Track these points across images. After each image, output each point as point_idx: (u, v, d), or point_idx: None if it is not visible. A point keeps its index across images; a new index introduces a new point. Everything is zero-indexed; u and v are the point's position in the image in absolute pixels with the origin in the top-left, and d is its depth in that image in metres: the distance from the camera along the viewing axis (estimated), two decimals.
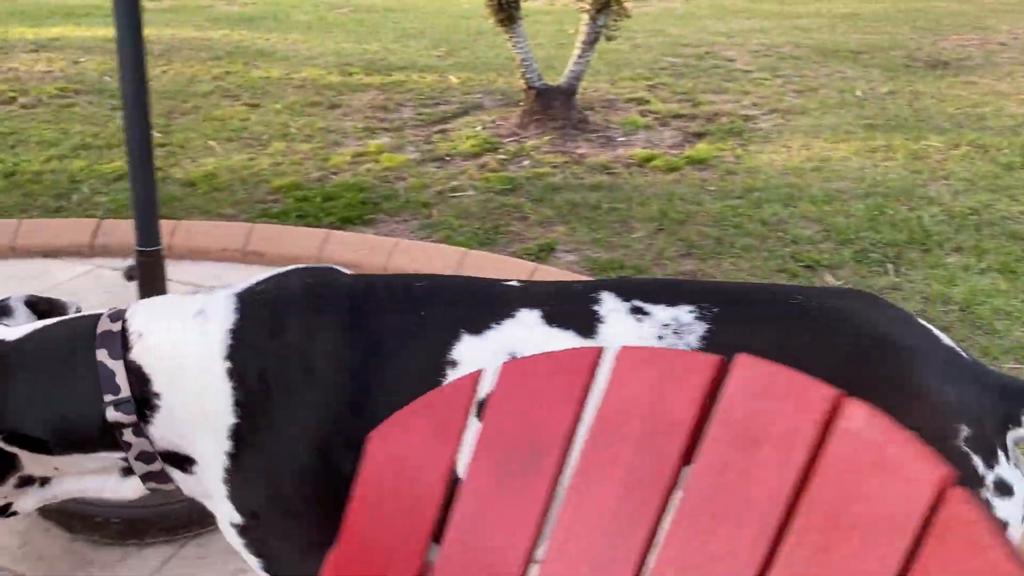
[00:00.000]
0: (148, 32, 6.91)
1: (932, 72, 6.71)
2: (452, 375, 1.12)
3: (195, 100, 5.64)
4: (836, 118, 5.41)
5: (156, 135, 4.84)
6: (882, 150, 4.75)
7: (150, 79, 6.17)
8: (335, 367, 1.12)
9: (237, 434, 1.10)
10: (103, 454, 1.14)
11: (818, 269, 3.32)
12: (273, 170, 4.41)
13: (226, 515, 1.14)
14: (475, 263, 3.18)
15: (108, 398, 1.10)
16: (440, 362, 1.13)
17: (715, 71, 6.73)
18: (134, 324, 1.15)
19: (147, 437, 1.12)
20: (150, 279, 1.96)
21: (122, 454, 1.13)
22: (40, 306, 1.23)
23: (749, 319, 1.13)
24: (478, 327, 1.15)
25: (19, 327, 1.18)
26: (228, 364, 1.12)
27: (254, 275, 1.25)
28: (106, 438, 1.12)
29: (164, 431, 1.13)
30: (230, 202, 3.97)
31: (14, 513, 1.18)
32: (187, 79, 6.14)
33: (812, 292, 1.20)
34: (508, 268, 3.14)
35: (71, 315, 1.23)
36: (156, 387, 1.12)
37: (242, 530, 1.14)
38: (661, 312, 1.13)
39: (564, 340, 1.12)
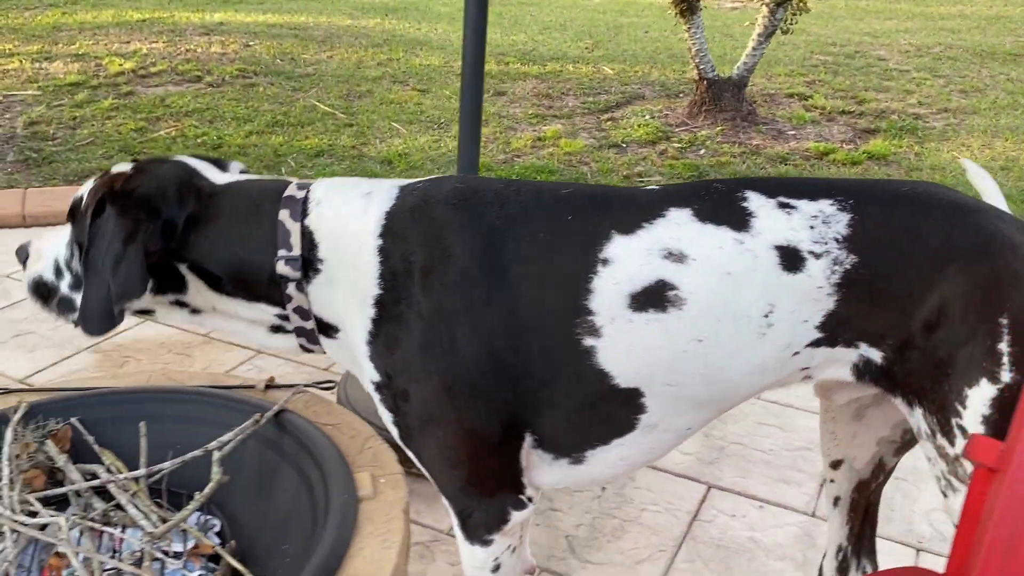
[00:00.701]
0: (305, 19, 7.26)
1: None
2: (604, 273, 1.15)
3: (367, 84, 5.86)
4: (1012, 119, 5.30)
5: (340, 115, 5.08)
6: None
7: (317, 63, 6.39)
8: (470, 257, 1.18)
9: (379, 303, 1.20)
10: (262, 306, 1.27)
11: None
12: (454, 151, 4.56)
13: (367, 374, 1.24)
14: None
15: (281, 253, 1.22)
16: (591, 260, 1.16)
17: (870, 70, 6.64)
18: (315, 194, 1.26)
19: (305, 294, 1.23)
20: None
21: (278, 310, 1.26)
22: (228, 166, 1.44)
23: (881, 205, 1.17)
24: (629, 227, 1.17)
25: (226, 176, 1.34)
26: (379, 242, 1.22)
27: None
28: (271, 289, 1.24)
29: (320, 293, 1.24)
30: (441, 168, 4.14)
31: (148, 313, 1.36)
32: (354, 64, 6.38)
33: (907, 183, 1.28)
34: None
35: (268, 177, 1.37)
36: (321, 252, 1.23)
37: (377, 387, 1.24)
38: (806, 206, 1.16)
39: (718, 235, 1.16)
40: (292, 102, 5.38)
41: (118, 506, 1.43)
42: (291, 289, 1.24)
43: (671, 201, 1.20)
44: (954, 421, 1.15)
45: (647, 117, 5.25)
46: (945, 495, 1.21)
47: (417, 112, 5.28)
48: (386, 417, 1.26)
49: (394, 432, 1.27)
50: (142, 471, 1.46)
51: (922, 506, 2.03)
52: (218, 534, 1.47)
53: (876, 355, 1.19)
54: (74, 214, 1.30)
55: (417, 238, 1.21)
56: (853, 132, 5.12)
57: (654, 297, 1.15)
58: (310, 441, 1.44)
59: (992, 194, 1.36)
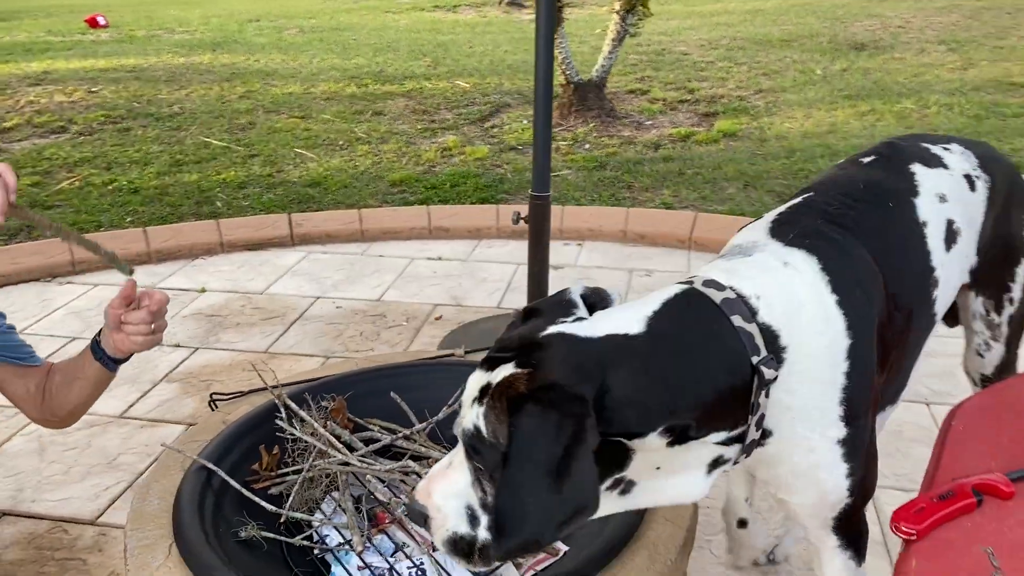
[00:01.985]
0: (134, 61, 7.24)
1: (859, 52, 7.85)
2: (929, 233, 1.41)
3: (243, 117, 5.94)
4: (815, 93, 6.36)
5: (238, 148, 5.19)
6: (870, 113, 5.70)
7: (177, 102, 6.37)
8: (877, 277, 1.29)
9: (853, 353, 1.18)
10: (713, 437, 1.09)
11: None
12: (378, 168, 4.85)
13: (829, 436, 1.19)
14: (637, 217, 3.80)
15: (755, 359, 1.09)
16: (920, 230, 1.41)
17: (682, 64, 7.60)
18: (745, 289, 1.14)
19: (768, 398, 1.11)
20: (539, 220, 2.50)
21: (726, 434, 1.10)
22: (591, 298, 1.18)
23: (971, 145, 1.61)
24: (911, 192, 1.44)
25: (609, 318, 1.11)
26: (836, 296, 1.19)
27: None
28: (738, 408, 1.10)
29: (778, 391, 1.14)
30: (368, 193, 4.40)
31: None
32: (216, 99, 6.40)
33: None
34: (670, 219, 3.80)
35: (640, 301, 1.15)
36: (783, 341, 1.13)
37: (842, 441, 1.19)
38: (945, 154, 1.55)
39: (942, 175, 1.48)
40: (179, 141, 5.38)
41: (413, 457, 1.71)
42: (762, 398, 1.11)
43: (906, 160, 1.49)
44: (1004, 296, 1.67)
45: (524, 122, 5.78)
46: (981, 355, 1.74)
47: (311, 137, 5.47)
48: (841, 474, 1.23)
49: (841, 484, 1.24)
50: (420, 424, 1.75)
51: None
52: None
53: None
54: (473, 446, 1.04)
55: (859, 276, 1.24)
56: (698, 117, 5.94)
57: (951, 234, 1.45)
58: None
59: None
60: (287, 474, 1.67)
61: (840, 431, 1.19)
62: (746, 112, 5.93)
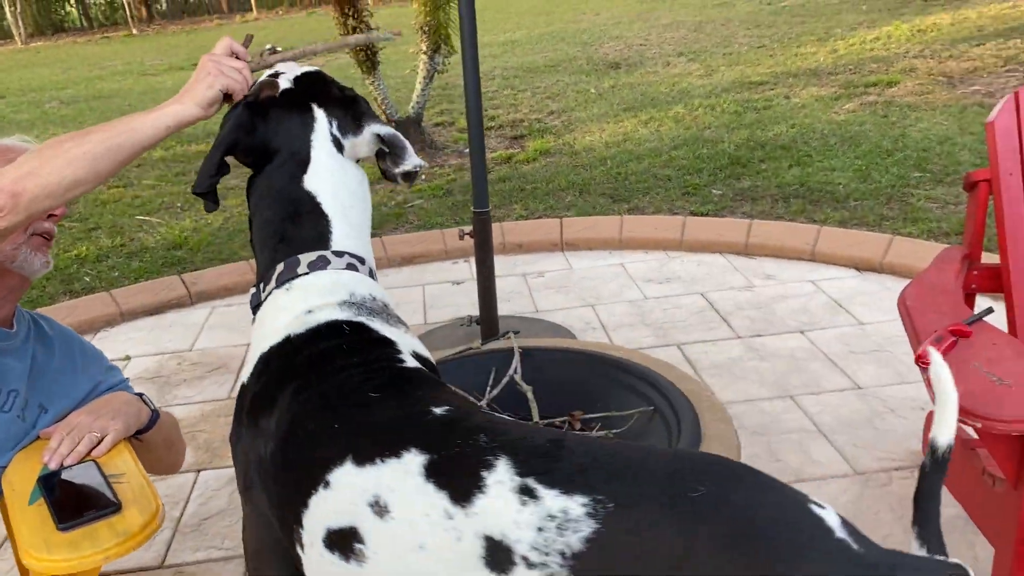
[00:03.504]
0: None
1: (617, 70, 8.88)
2: (322, 495, 1.06)
3: None
4: (598, 109, 7.18)
5: (73, 224, 5.06)
6: (651, 121, 6.58)
7: None
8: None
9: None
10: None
11: (702, 189, 4.91)
12: (232, 223, 4.93)
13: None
14: (511, 229, 4.26)
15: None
16: (319, 478, 1.06)
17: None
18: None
19: None
20: (483, 233, 2.87)
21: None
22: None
23: (647, 517, 0.87)
24: (365, 458, 1.03)
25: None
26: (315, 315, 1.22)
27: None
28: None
29: None
30: (238, 245, 4.49)
31: None
32: None
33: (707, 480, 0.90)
34: (542, 227, 4.29)
35: None
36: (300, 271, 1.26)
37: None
38: (552, 499, 0.92)
39: (432, 500, 0.97)
40: None
41: None
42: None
43: (419, 440, 1.02)
44: None
45: None
46: None
47: (144, 203, 5.40)
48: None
49: None
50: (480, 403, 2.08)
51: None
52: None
53: None
54: None
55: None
56: (508, 140, 6.52)
57: (343, 542, 1.03)
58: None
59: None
60: None
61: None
62: (549, 132, 6.60)
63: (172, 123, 1.27)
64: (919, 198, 4.35)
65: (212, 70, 1.29)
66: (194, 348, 3.41)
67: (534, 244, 4.20)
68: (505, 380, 2.18)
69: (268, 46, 1.47)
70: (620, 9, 14.56)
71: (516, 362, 2.22)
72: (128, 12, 19.76)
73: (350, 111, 1.34)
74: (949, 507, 2.16)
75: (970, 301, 2.08)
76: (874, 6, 11.47)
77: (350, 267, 1.25)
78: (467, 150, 6.44)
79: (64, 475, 1.41)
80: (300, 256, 1.23)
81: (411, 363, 1.19)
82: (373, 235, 4.51)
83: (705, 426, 1.91)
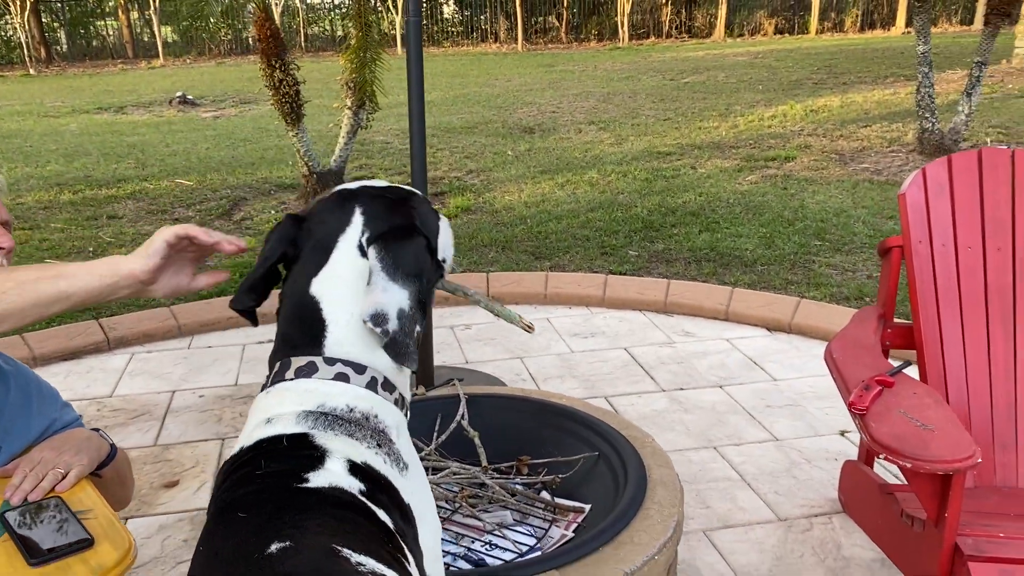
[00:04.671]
0: None
1: (532, 135, 9.17)
2: None
3: None
4: (516, 170, 7.39)
5: None
6: (568, 184, 6.81)
7: None
8: None
9: None
10: None
11: (619, 250, 5.11)
12: None
13: None
14: None
15: None
16: None
17: (388, 151, 8.31)
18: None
19: None
20: None
21: None
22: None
23: None
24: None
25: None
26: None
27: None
28: None
29: None
30: None
31: None
32: None
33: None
34: (467, 281, 4.37)
35: None
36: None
37: None
38: None
39: None
40: None
41: (434, 471, 2.07)
42: None
43: None
44: None
45: (272, 212, 6.02)
46: None
47: (54, 247, 5.21)
48: None
49: None
50: (431, 447, 2.11)
51: None
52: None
53: None
54: None
55: None
56: (430, 197, 6.62)
57: None
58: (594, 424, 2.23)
59: None
60: None
61: None
62: (469, 190, 6.74)
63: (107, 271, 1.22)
64: (820, 264, 4.66)
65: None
66: (115, 394, 3.31)
67: (460, 297, 4.26)
68: (453, 426, 2.22)
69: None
70: (531, 77, 15.04)
71: (463, 408, 2.27)
72: (26, 52, 19.09)
73: (392, 222, 1.24)
74: (869, 551, 2.32)
75: (886, 356, 2.27)
76: (770, 86, 12.25)
77: (339, 376, 1.17)
78: None
79: (29, 510, 1.38)
80: (292, 359, 1.19)
81: (330, 481, 1.08)
82: None
83: (649, 471, 2.00)
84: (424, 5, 23.78)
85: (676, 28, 23.71)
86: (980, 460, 1.57)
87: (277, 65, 5.74)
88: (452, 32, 23.62)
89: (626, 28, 22.61)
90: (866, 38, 21.53)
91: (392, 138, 9.06)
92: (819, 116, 9.47)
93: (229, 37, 22.51)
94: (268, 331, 3.92)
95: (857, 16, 23.76)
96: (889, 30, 22.98)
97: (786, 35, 23.30)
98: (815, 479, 2.68)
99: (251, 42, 21.85)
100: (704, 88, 12.48)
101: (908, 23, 21.92)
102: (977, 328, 2.17)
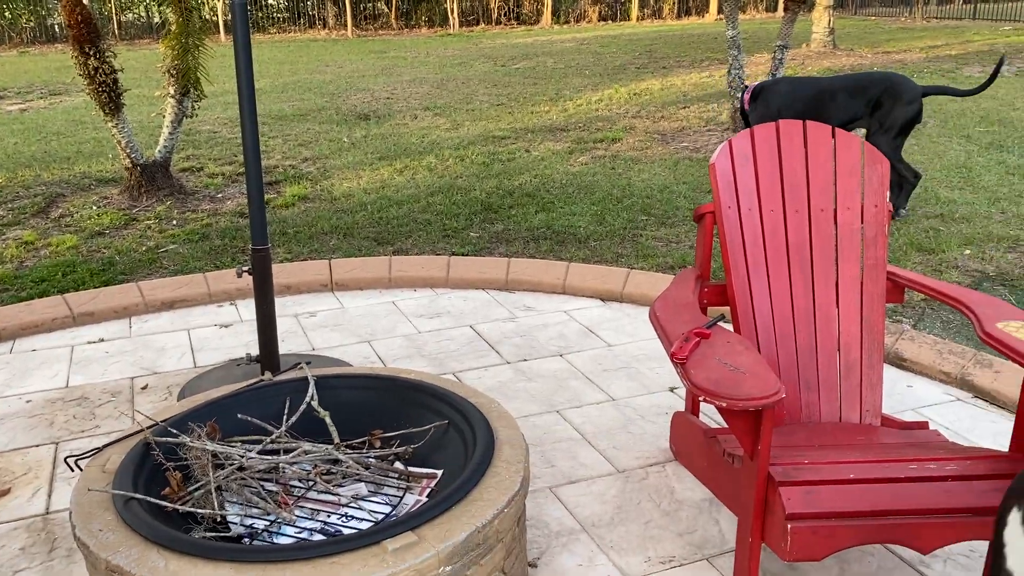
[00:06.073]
0: None
1: (367, 121, 9.10)
2: None
3: None
4: (353, 157, 7.33)
5: None
6: (406, 170, 6.84)
7: None
8: None
9: None
10: None
11: (460, 232, 5.20)
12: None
13: None
14: (278, 271, 4.27)
15: None
16: None
17: (216, 140, 8.02)
18: None
19: None
20: (263, 270, 2.90)
21: None
22: None
23: None
24: None
25: None
26: None
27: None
28: None
29: None
30: None
31: None
32: None
33: None
34: (310, 268, 4.33)
35: None
36: None
37: None
38: None
39: None
40: None
41: (286, 451, 2.08)
42: None
43: None
44: None
45: (94, 208, 5.70)
46: None
47: None
48: None
49: None
50: (281, 429, 2.12)
51: None
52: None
53: None
54: None
55: None
56: (264, 185, 6.46)
57: None
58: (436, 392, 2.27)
59: None
60: (196, 490, 1.94)
61: None
62: (305, 178, 6.63)
63: None
64: (647, 238, 4.94)
65: None
66: None
67: (303, 285, 4.23)
68: (303, 407, 2.25)
69: None
70: (363, 64, 14.87)
71: (312, 389, 2.30)
72: None
73: None
74: (699, 492, 2.53)
75: (705, 313, 2.48)
76: (596, 71, 12.71)
77: None
78: (220, 194, 6.31)
79: None
80: None
81: None
82: (125, 280, 4.31)
83: (497, 433, 2.11)
84: None
85: (504, 15, 24.08)
86: (784, 396, 1.77)
87: (91, 52, 5.43)
88: (278, 18, 22.90)
89: (456, 15, 22.74)
90: (683, 24, 22.70)
91: (220, 127, 8.74)
92: (642, 99, 9.94)
93: (32, 24, 20.82)
94: (100, 330, 3.77)
95: (674, 3, 24.96)
96: (704, 16, 24.31)
97: (609, 22, 24.17)
98: (649, 432, 2.88)
99: (58, 29, 20.34)
100: (534, 73, 12.79)
101: (720, 10, 23.29)
102: (781, 282, 2.41)
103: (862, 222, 2.42)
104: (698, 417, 2.63)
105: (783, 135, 2.48)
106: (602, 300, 4.14)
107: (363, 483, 2.07)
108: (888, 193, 2.45)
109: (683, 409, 2.82)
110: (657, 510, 2.46)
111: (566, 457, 2.75)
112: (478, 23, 23.73)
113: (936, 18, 22.31)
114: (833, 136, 2.47)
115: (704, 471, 2.40)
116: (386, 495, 2.04)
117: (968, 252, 4.58)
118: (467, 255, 4.73)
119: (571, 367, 3.40)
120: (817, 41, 14.37)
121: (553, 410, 3.06)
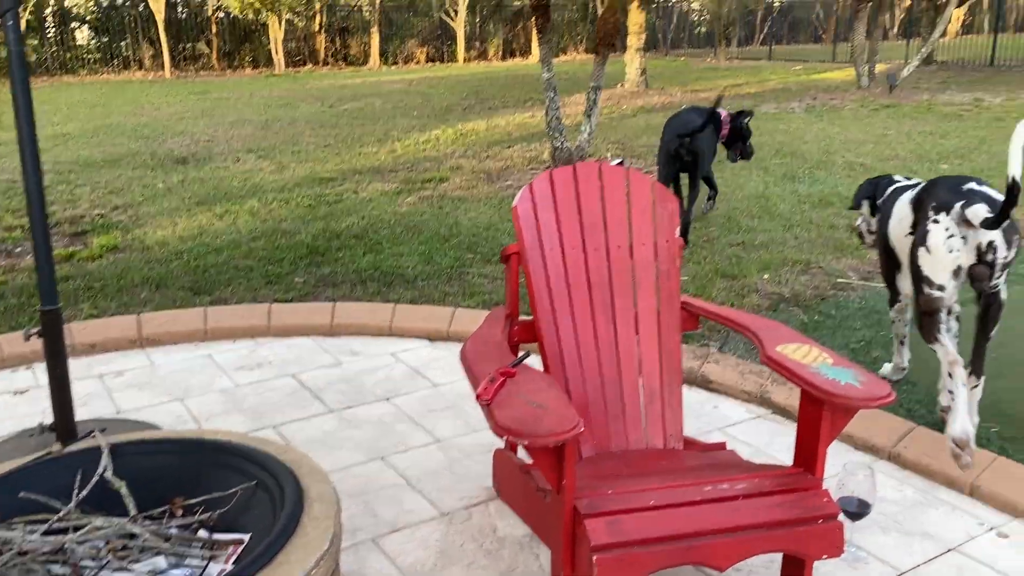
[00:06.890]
0: None
1: (185, 165, 8.75)
2: None
3: None
4: (168, 203, 7.01)
5: None
6: (227, 214, 6.61)
7: None
8: None
9: None
10: None
11: (284, 277, 5.07)
12: None
13: None
14: (82, 330, 3.99)
15: None
16: None
17: (17, 191, 7.45)
18: None
19: None
20: (54, 332, 2.71)
21: None
22: None
23: None
24: None
25: None
26: None
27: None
28: None
29: None
30: None
31: None
32: None
33: None
34: (116, 325, 4.08)
35: None
36: None
37: None
38: None
39: None
40: None
41: (75, 528, 1.93)
42: None
43: None
44: None
45: None
46: None
47: None
48: None
49: None
50: (70, 505, 1.97)
51: None
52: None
53: None
54: None
55: None
56: (68, 238, 6.06)
57: None
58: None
59: None
60: None
61: None
62: (115, 227, 6.27)
63: None
64: (473, 276, 5.01)
65: None
66: None
67: (109, 343, 3.98)
68: (95, 479, 2.10)
69: None
70: (182, 105, 14.32)
71: (106, 459, 2.16)
72: None
73: None
74: (519, 529, 2.56)
75: (515, 350, 2.53)
76: (424, 112, 12.84)
77: None
78: (14, 249, 5.85)
79: None
80: None
81: None
82: None
83: (307, 489, 2.05)
84: (53, 30, 21.61)
85: (332, 56, 23.92)
86: (583, 429, 1.82)
87: None
88: (88, 59, 21.71)
89: (281, 55, 22.36)
90: (507, 66, 23.39)
91: (19, 176, 8.10)
92: (468, 139, 10.12)
93: None
94: None
95: (499, 46, 25.68)
96: (527, 58, 25.15)
97: (437, 63, 24.54)
98: (472, 472, 2.90)
99: None
100: (362, 115, 12.75)
101: None
102: (585, 317, 2.50)
103: (656, 257, 2.56)
104: (516, 453, 2.67)
105: (580, 177, 2.59)
106: (430, 340, 4.14)
107: (162, 556, 1.95)
108: (678, 229, 2.61)
109: (503, 447, 2.86)
110: (480, 550, 2.47)
111: (391, 504, 2.71)
112: (305, 64, 23.45)
113: (737, 58, 24.17)
114: (627, 177, 2.61)
115: (523, 507, 2.43)
116: (188, 566, 1.93)
117: (767, 276, 4.93)
118: (291, 301, 4.62)
119: (398, 410, 3.37)
120: (631, 81, 15.19)
121: (378, 457, 3.01)
